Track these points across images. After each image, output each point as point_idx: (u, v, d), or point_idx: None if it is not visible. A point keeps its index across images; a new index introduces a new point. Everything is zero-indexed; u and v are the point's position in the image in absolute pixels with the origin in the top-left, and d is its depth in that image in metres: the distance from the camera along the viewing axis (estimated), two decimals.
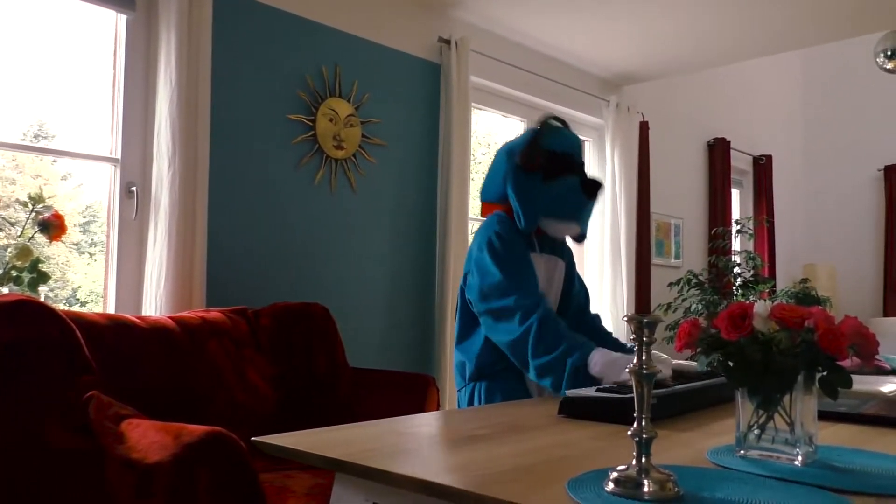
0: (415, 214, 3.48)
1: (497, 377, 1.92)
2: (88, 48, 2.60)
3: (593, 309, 2.24)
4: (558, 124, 2.05)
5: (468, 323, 1.96)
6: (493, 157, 2.08)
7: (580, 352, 1.70)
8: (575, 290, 2.13)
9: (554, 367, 1.72)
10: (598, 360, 1.68)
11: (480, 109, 4.01)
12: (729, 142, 5.76)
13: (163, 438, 1.46)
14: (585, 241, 2.15)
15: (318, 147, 3.07)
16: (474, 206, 4.22)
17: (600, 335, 2.07)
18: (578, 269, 2.25)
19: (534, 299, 1.80)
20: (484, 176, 2.09)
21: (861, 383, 1.49)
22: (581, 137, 4.48)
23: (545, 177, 1.95)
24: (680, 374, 1.73)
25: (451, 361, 3.40)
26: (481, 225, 2.00)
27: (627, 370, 1.60)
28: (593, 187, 1.99)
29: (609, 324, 4.32)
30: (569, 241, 2.16)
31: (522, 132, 2.09)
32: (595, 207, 2.07)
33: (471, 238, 3.57)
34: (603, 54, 4.29)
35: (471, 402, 1.95)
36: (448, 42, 3.53)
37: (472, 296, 1.91)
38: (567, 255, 2.14)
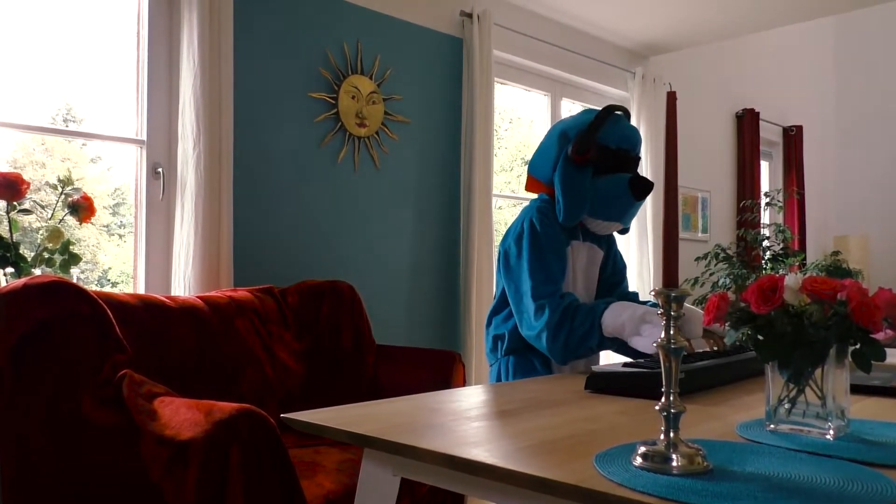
0: (439, 191, 3.47)
1: (527, 352, 1.90)
2: (113, 30, 2.62)
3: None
4: (620, 114, 1.96)
5: (505, 297, 1.93)
6: (546, 133, 2.01)
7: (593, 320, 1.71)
8: (606, 275, 2.08)
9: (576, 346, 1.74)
10: (609, 320, 1.67)
11: (503, 84, 3.97)
12: (758, 112, 5.65)
13: (194, 415, 1.48)
14: (628, 232, 2.12)
15: (340, 125, 3.06)
16: (498, 182, 4.20)
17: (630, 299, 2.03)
18: None
19: (557, 306, 1.77)
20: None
21: (894, 356, 1.47)
22: None
23: (595, 172, 1.87)
24: (709, 333, 1.74)
25: (477, 337, 3.41)
26: (526, 206, 1.96)
27: (644, 331, 1.59)
28: (643, 188, 1.89)
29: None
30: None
31: (579, 114, 1.98)
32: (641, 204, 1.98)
33: (495, 214, 3.56)
34: (628, 24, 4.21)
35: (498, 378, 1.95)
36: (470, 16, 3.49)
37: (505, 284, 1.89)
38: (606, 244, 2.09)
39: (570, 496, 0.80)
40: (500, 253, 1.94)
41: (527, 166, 2.06)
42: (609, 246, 2.10)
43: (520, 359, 1.91)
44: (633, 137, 1.94)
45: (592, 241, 2.02)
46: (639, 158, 1.97)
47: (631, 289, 2.18)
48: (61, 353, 1.63)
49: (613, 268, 2.11)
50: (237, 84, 2.66)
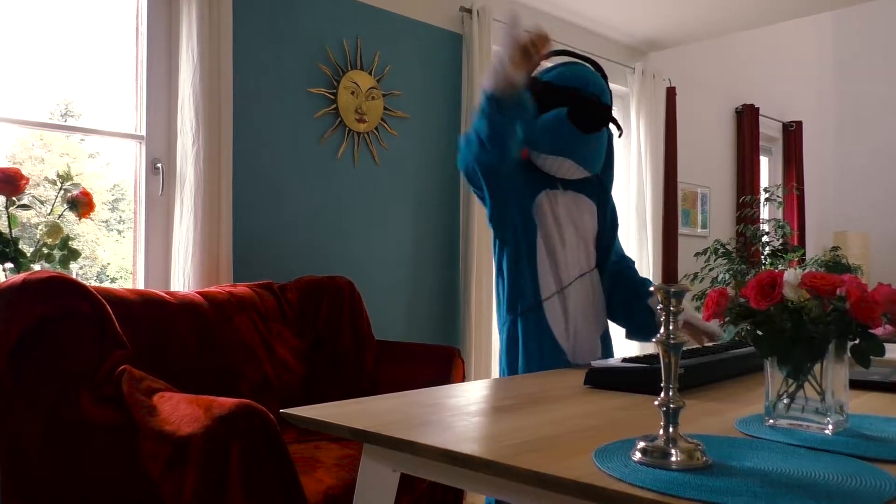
0: (438, 187, 3.47)
1: (526, 314, 1.81)
2: (112, 25, 2.61)
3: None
4: (571, 59, 1.88)
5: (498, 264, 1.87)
6: None
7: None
8: (604, 229, 1.94)
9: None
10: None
11: None
12: (758, 108, 5.64)
13: (194, 411, 1.48)
14: (611, 183, 1.96)
15: (340, 121, 3.06)
16: None
17: (629, 284, 1.94)
18: None
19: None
20: None
21: (893, 351, 1.47)
22: None
23: (539, 110, 1.79)
24: (694, 329, 1.74)
25: (477, 333, 3.42)
26: None
27: None
28: (585, 116, 1.74)
29: None
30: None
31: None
32: (601, 141, 1.83)
33: None
34: (628, 19, 4.20)
35: (509, 338, 1.86)
36: (470, 11, 3.49)
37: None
38: (595, 196, 1.93)
39: (569, 491, 0.80)
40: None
41: None
42: (600, 197, 1.95)
43: (516, 319, 1.83)
44: (587, 77, 1.83)
45: (576, 191, 1.88)
46: (599, 100, 1.82)
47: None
48: (60, 349, 1.63)
49: (611, 223, 1.99)
50: (236, 79, 2.66)
